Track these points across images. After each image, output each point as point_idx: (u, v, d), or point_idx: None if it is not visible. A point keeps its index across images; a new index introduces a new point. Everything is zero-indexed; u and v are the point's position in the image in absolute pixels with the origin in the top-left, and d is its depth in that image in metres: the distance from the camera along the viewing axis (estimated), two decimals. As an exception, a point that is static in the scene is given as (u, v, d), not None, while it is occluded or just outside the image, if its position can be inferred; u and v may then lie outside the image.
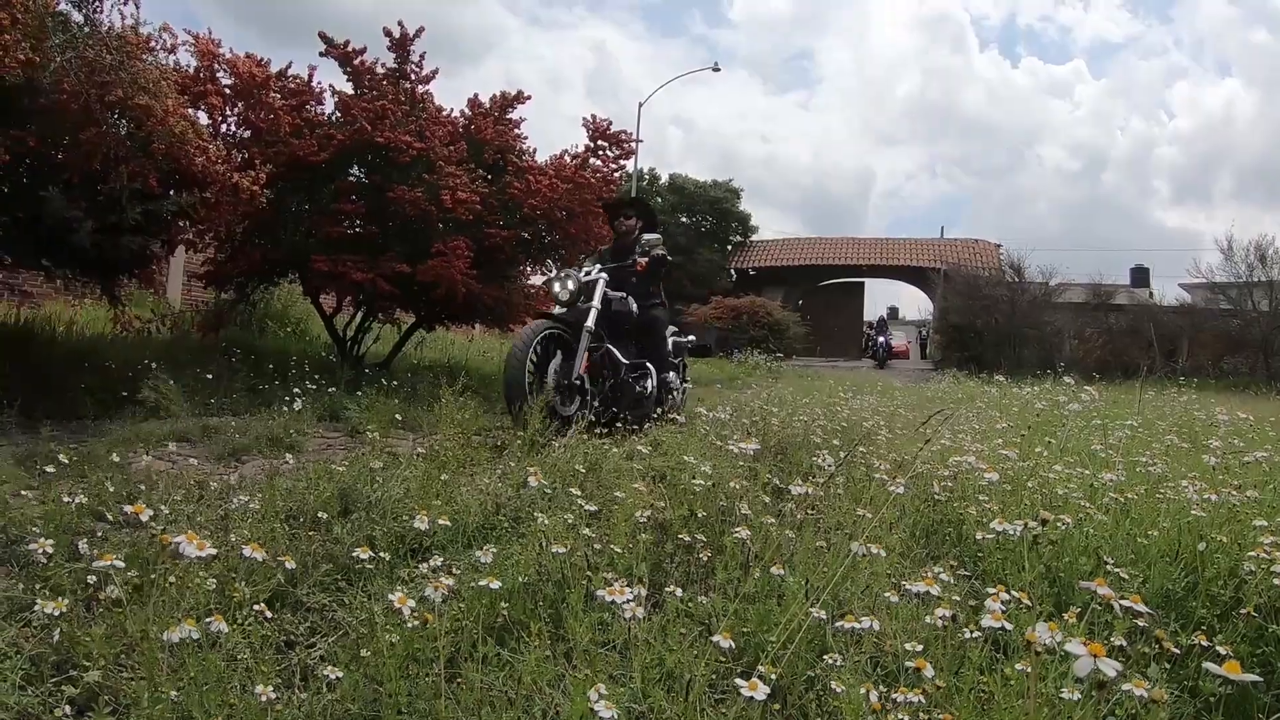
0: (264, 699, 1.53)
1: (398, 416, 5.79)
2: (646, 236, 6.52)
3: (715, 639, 1.45)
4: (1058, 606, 2.18)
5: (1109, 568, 2.22)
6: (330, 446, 5.13)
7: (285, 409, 5.78)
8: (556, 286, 6.13)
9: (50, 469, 3.19)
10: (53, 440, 4.18)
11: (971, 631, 1.67)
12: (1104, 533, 2.55)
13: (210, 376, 6.50)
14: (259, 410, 6.01)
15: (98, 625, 1.95)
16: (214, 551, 1.65)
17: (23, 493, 3.01)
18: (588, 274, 6.18)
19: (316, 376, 6.86)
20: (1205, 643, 1.83)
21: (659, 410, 6.05)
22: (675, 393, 6.84)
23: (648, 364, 6.35)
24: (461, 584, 2.00)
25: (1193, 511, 2.50)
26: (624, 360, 6.12)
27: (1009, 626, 1.56)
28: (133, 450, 5.00)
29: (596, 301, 5.95)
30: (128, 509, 1.99)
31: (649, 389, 6.27)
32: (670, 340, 6.99)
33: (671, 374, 6.70)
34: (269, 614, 1.92)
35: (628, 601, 1.62)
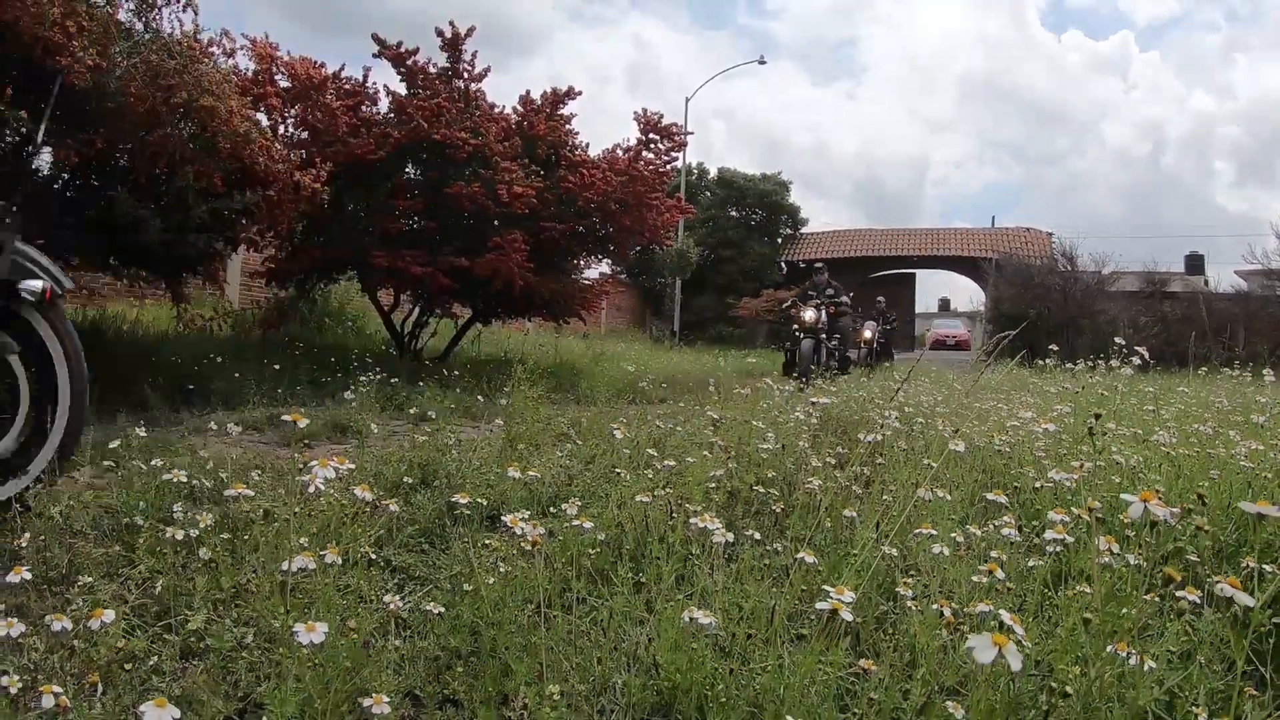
0: (392, 606, 1.65)
1: (451, 406, 6.06)
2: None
3: (801, 555, 1.54)
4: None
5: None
6: (395, 434, 5.29)
7: (350, 396, 5.99)
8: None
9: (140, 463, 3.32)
10: (131, 428, 4.36)
11: (1036, 560, 1.74)
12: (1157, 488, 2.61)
13: (277, 367, 6.74)
14: (323, 401, 6.24)
15: (199, 578, 2.10)
16: (352, 466, 1.77)
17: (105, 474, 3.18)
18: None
19: (377, 369, 7.05)
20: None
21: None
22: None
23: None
24: (552, 531, 2.11)
25: (1241, 463, 2.54)
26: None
27: (1069, 539, 1.63)
28: (204, 437, 5.24)
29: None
30: (229, 490, 2.14)
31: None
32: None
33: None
34: (373, 556, 2.05)
35: (716, 528, 1.72)
